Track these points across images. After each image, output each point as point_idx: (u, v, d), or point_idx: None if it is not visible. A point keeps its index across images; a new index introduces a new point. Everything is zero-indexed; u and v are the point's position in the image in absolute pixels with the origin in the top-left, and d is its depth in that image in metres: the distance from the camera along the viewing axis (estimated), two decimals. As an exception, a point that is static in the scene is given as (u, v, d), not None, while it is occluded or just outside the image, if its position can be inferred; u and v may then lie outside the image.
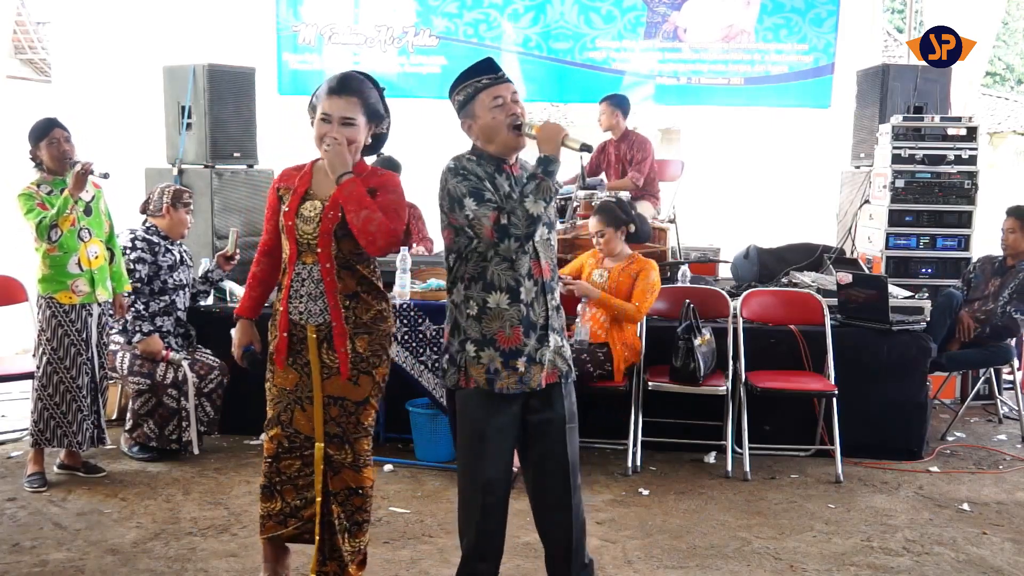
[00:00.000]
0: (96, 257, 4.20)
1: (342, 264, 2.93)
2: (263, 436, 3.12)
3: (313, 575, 3.09)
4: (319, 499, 3.02)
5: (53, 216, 4.00)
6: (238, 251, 4.81)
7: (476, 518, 2.86)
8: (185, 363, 4.54)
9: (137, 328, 4.49)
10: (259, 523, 3.14)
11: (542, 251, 2.82)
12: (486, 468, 2.81)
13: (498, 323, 2.78)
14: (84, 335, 4.19)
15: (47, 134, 4.13)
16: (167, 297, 4.64)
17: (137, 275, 4.53)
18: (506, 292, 2.78)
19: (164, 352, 4.51)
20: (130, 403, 4.60)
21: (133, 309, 4.49)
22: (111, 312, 4.39)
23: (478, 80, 2.78)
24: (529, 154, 2.84)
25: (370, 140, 3.00)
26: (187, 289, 4.76)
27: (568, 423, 2.89)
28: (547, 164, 2.70)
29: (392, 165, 5.80)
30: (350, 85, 2.92)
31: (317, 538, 3.05)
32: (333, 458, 3.01)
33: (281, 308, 2.99)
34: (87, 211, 4.20)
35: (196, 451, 4.55)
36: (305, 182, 3.00)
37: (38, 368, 4.20)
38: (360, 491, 3.05)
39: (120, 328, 4.55)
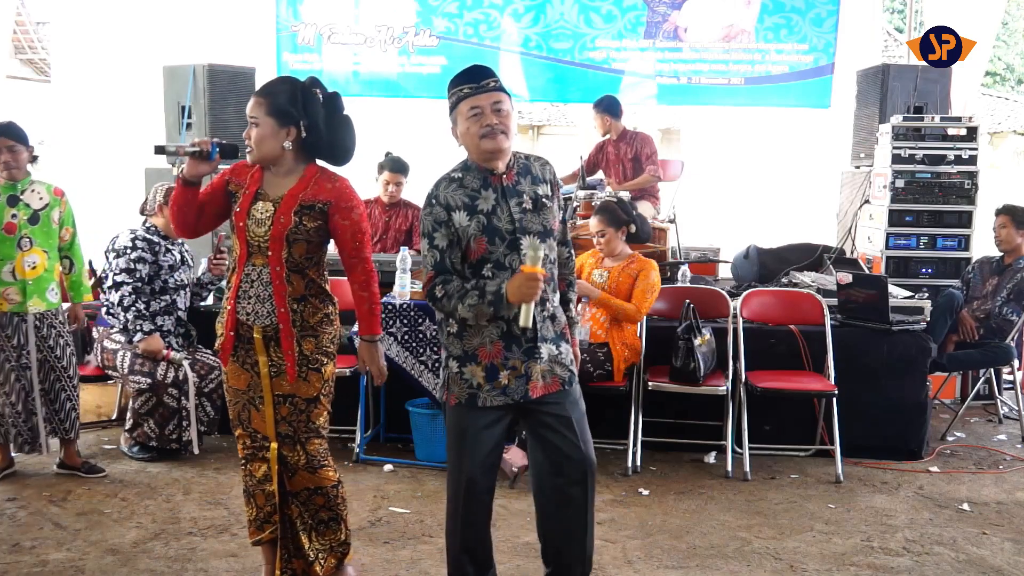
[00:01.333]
0: (34, 267, 4.15)
1: (292, 268, 2.92)
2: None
3: (277, 572, 3.08)
4: (276, 499, 3.03)
5: None
6: (224, 250, 4.76)
7: (461, 515, 2.87)
8: (186, 363, 4.54)
9: (138, 327, 4.48)
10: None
11: (528, 263, 2.73)
12: (467, 467, 2.81)
13: (478, 339, 2.77)
14: (15, 342, 4.16)
15: None
16: (168, 297, 4.63)
17: (138, 274, 4.51)
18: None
19: (165, 351, 4.51)
20: (130, 403, 4.61)
21: (134, 308, 4.49)
22: (63, 321, 4.33)
23: (460, 88, 2.75)
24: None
25: (288, 145, 2.89)
26: (188, 289, 4.76)
27: (572, 426, 2.87)
28: (498, 306, 2.64)
29: (400, 166, 5.80)
30: (263, 87, 2.95)
31: (279, 538, 3.06)
32: (288, 459, 3.00)
33: (229, 307, 2.96)
34: (33, 219, 4.15)
35: (196, 450, 4.55)
36: (256, 181, 2.95)
37: None
38: (320, 491, 3.04)
39: (120, 327, 4.54)
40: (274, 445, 3.00)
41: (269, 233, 2.89)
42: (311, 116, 2.90)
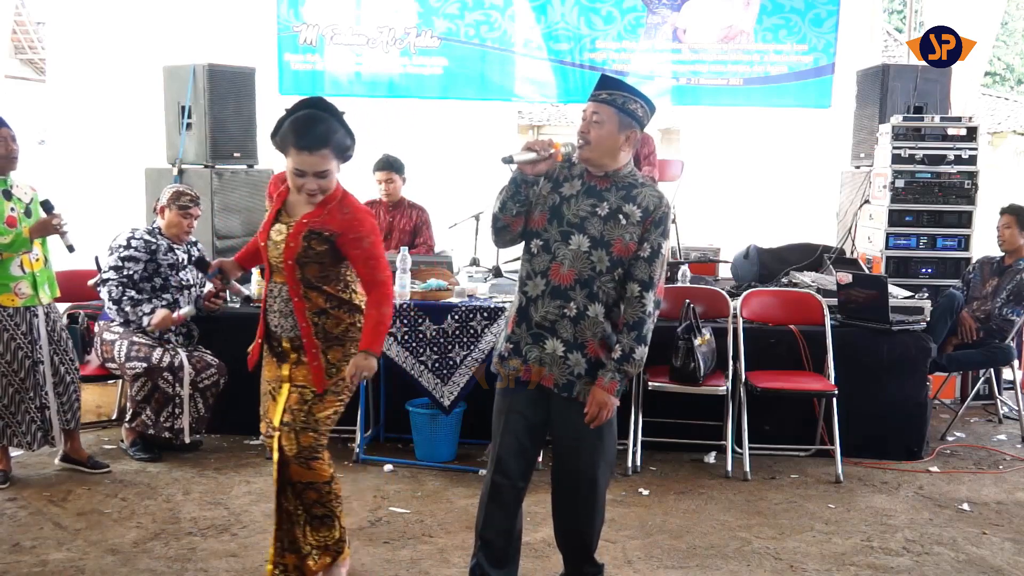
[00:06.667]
0: (37, 260, 4.18)
1: (307, 286, 3.01)
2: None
3: (270, 566, 3.10)
4: (275, 487, 3.06)
5: (4, 246, 4.00)
6: (222, 295, 4.86)
7: (484, 497, 2.98)
8: (183, 352, 4.55)
9: (140, 313, 4.50)
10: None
11: (568, 258, 2.84)
12: (500, 446, 2.95)
13: (510, 309, 3.00)
14: (30, 337, 4.17)
15: None
16: (169, 295, 4.63)
17: (125, 271, 4.52)
18: (519, 281, 2.96)
19: (176, 315, 4.55)
20: (129, 390, 4.63)
21: (126, 299, 4.49)
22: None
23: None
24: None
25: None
26: (193, 290, 4.75)
27: (572, 438, 2.92)
28: (516, 174, 2.83)
29: (390, 163, 5.82)
30: (318, 138, 2.90)
31: (274, 528, 3.09)
32: (284, 448, 3.03)
33: (261, 317, 3.12)
34: (27, 213, 4.17)
35: (187, 440, 4.53)
36: (281, 200, 3.07)
37: None
38: (312, 486, 3.07)
39: (121, 321, 4.56)
40: (276, 434, 3.04)
41: (282, 256, 2.98)
42: (352, 137, 3.02)
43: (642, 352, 2.84)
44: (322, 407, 3.04)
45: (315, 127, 2.90)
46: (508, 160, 2.80)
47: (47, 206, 4.13)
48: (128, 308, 4.49)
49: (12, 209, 4.11)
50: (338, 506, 3.13)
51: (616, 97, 2.83)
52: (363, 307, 3.08)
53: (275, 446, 3.04)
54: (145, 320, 4.49)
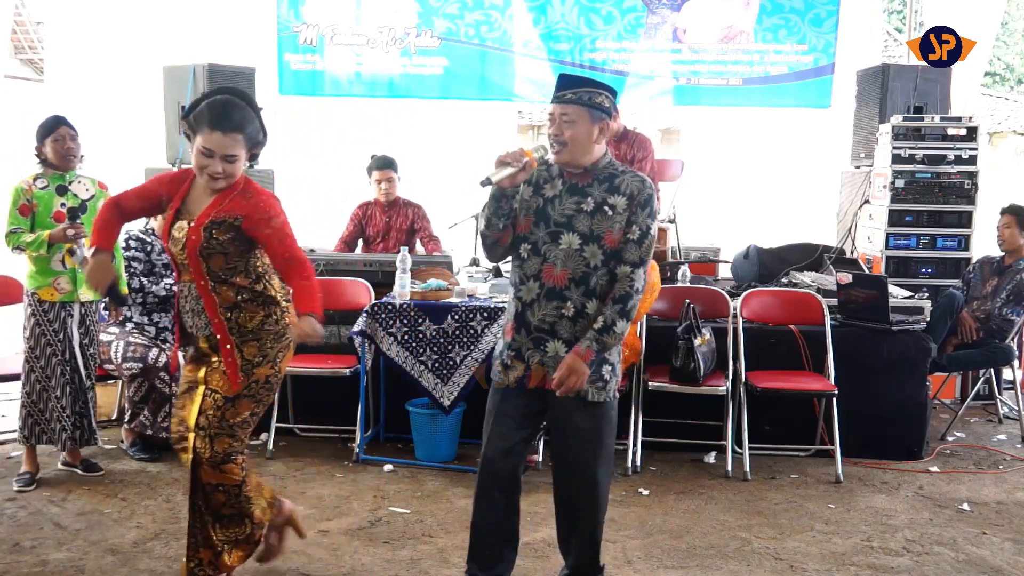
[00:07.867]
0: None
1: (216, 280, 2.97)
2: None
3: (184, 560, 3.13)
4: (188, 485, 3.09)
5: (23, 243, 4.06)
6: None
7: (475, 494, 3.01)
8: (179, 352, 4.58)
9: (167, 284, 4.60)
10: None
11: (560, 258, 2.84)
12: (486, 444, 2.97)
13: (507, 316, 3.01)
14: (62, 335, 4.18)
15: (54, 131, 4.18)
16: (164, 293, 4.67)
17: (132, 270, 4.59)
18: (513, 288, 2.97)
19: None
20: (126, 391, 4.64)
21: (147, 282, 4.57)
22: (106, 311, 4.41)
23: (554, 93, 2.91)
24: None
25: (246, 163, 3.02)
26: None
27: (572, 436, 2.92)
28: (493, 192, 2.85)
29: (386, 162, 5.82)
30: (230, 121, 2.89)
31: (188, 526, 3.12)
32: (198, 450, 3.02)
33: (175, 319, 3.13)
34: (82, 209, 4.20)
35: None
36: (180, 198, 3.01)
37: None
38: (222, 488, 3.06)
39: (118, 321, 4.57)
40: (191, 435, 3.03)
41: (185, 251, 2.95)
42: (265, 136, 3.01)
43: (623, 327, 2.84)
44: (235, 412, 3.01)
45: (233, 111, 2.91)
46: (486, 182, 2.80)
47: (72, 214, 4.14)
48: (154, 288, 4.59)
49: (63, 204, 4.16)
50: (250, 506, 3.11)
51: (581, 94, 2.83)
52: (279, 300, 3.04)
53: (190, 446, 3.03)
54: (169, 282, 4.62)
